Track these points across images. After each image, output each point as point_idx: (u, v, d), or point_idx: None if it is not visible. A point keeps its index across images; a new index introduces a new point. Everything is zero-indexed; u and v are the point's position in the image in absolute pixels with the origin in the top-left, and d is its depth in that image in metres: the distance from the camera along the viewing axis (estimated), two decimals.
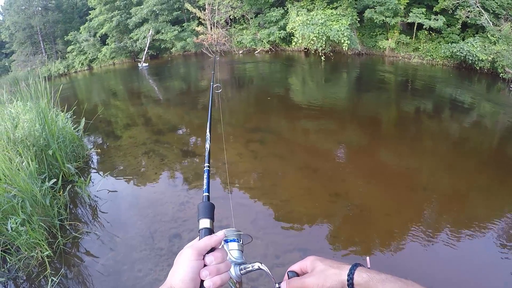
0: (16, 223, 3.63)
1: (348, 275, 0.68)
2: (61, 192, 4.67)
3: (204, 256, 0.74)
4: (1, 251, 3.77)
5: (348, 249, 3.88)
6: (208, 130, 1.28)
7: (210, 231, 0.79)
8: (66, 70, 26.09)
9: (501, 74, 11.72)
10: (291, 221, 4.33)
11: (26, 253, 3.73)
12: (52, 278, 3.45)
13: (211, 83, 1.97)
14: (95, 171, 6.28)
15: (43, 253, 3.70)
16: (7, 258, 3.72)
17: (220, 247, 0.80)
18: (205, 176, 0.97)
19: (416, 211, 4.47)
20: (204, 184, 0.94)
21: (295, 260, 0.79)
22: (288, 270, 0.80)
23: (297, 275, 0.79)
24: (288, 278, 0.79)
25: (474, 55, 12.34)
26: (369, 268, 0.72)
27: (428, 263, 3.53)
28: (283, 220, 4.37)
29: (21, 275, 3.63)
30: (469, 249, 3.80)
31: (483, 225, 4.11)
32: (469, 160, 5.93)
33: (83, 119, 6.90)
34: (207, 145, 1.18)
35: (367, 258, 0.86)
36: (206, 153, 1.12)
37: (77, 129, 6.79)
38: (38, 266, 3.69)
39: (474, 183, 5.20)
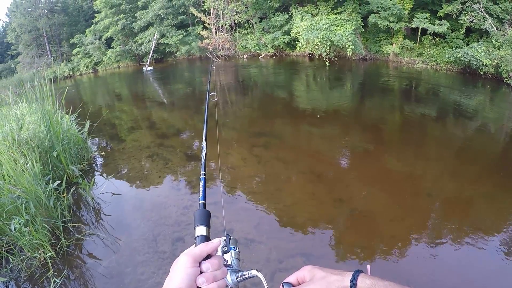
0: (20, 224, 3.65)
1: (351, 281, 0.67)
2: (65, 193, 4.67)
3: (200, 263, 0.74)
4: (4, 251, 3.78)
5: (352, 254, 3.85)
6: (204, 139, 1.29)
7: (206, 238, 0.79)
8: (71, 73, 26.29)
9: (506, 79, 11.67)
10: (295, 226, 4.31)
11: (29, 253, 3.73)
12: (55, 279, 3.45)
13: (207, 92, 1.97)
14: (99, 173, 6.30)
15: (46, 254, 3.70)
16: (10, 258, 3.73)
17: (216, 254, 0.79)
18: (201, 183, 0.98)
19: (420, 217, 4.44)
20: (200, 191, 0.94)
21: (298, 265, 0.77)
22: (283, 281, 0.77)
23: (293, 286, 0.76)
24: None
25: (478, 60, 12.30)
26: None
27: (432, 270, 3.50)
28: (286, 225, 4.35)
29: (24, 275, 3.63)
30: (474, 256, 3.75)
31: (488, 232, 4.07)
32: (473, 166, 5.89)
33: (88, 122, 6.94)
34: (203, 153, 1.19)
35: (368, 266, 0.85)
36: (202, 161, 1.12)
37: (81, 132, 6.82)
38: (41, 267, 3.69)
39: (479, 189, 5.15)
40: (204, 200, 0.90)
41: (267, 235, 4.12)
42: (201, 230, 0.79)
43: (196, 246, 0.77)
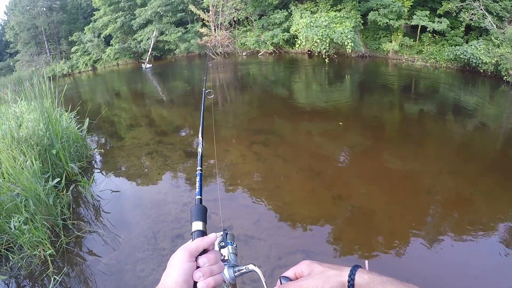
0: (19, 222, 3.65)
1: (349, 276, 0.67)
2: (64, 191, 4.68)
3: (197, 258, 0.74)
4: (4, 249, 3.78)
5: (351, 251, 3.86)
6: (200, 135, 1.31)
7: (203, 233, 0.79)
8: (70, 71, 26.19)
9: (505, 77, 11.66)
10: (294, 223, 4.33)
11: (28, 251, 3.74)
12: (55, 277, 3.46)
13: (203, 89, 1.98)
14: (98, 171, 6.30)
15: (46, 252, 3.71)
16: (10, 256, 3.74)
17: (212, 249, 0.79)
18: (198, 179, 0.99)
19: (419, 215, 4.45)
20: (197, 187, 0.95)
21: (298, 261, 0.77)
22: (280, 275, 0.76)
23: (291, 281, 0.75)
24: (281, 284, 0.75)
25: (478, 58, 12.29)
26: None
27: (431, 267, 3.51)
28: (286, 221, 4.36)
29: (24, 273, 3.64)
30: (473, 253, 3.77)
31: (486, 229, 4.08)
32: (472, 164, 5.90)
33: (87, 119, 6.93)
34: (199, 150, 1.21)
35: (366, 261, 0.85)
36: (198, 157, 1.14)
37: (80, 129, 6.81)
38: (41, 265, 3.70)
39: (478, 186, 5.17)
40: (201, 195, 0.91)
41: (266, 232, 4.14)
42: (197, 225, 0.80)
43: (192, 241, 0.77)
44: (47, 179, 4.59)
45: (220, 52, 21.45)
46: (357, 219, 4.41)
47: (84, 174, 5.68)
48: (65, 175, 5.15)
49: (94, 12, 26.49)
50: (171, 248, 3.91)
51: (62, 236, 4.02)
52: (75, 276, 3.65)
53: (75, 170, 5.48)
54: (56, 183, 4.60)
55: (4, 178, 4.08)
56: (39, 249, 3.74)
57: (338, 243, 3.97)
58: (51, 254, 3.72)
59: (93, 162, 6.65)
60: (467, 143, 7.03)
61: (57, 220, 4.18)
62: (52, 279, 3.42)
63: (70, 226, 4.33)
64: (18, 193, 3.90)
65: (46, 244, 3.76)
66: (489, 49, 12.34)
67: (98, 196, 5.22)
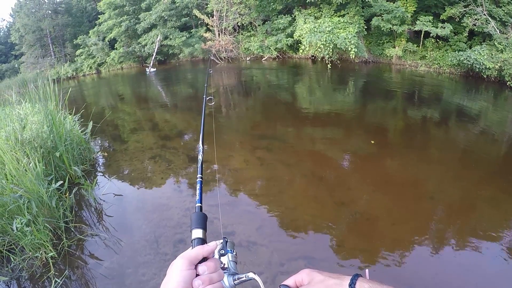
0: (22, 223, 3.65)
1: (350, 285, 0.67)
2: (67, 194, 4.69)
3: (196, 265, 0.74)
4: (6, 250, 3.79)
5: (354, 258, 3.83)
6: (200, 142, 1.32)
7: (203, 241, 0.80)
8: (74, 73, 26.38)
9: (509, 82, 11.63)
10: (297, 228, 4.31)
11: (30, 253, 3.74)
12: (56, 279, 3.45)
13: (204, 96, 1.99)
14: (101, 174, 6.31)
15: (47, 254, 3.71)
16: (11, 258, 3.74)
17: (212, 257, 0.79)
18: (198, 187, 0.99)
19: (422, 221, 4.42)
20: (197, 195, 0.95)
21: (300, 268, 0.77)
22: (281, 284, 0.76)
23: None
24: None
25: (481, 63, 12.27)
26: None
27: (434, 274, 3.48)
28: (288, 227, 4.34)
29: (25, 275, 3.64)
30: (477, 260, 3.73)
31: (490, 236, 4.05)
32: (476, 170, 5.86)
33: (91, 122, 6.96)
34: (200, 157, 1.20)
35: (366, 270, 0.85)
36: (199, 165, 1.14)
37: (84, 132, 6.84)
38: (42, 267, 3.70)
39: (481, 193, 5.13)
40: (201, 203, 0.91)
41: (268, 238, 4.12)
42: (197, 233, 0.80)
43: (192, 248, 0.77)
44: (50, 182, 4.61)
45: (224, 57, 21.55)
46: (360, 226, 4.38)
47: (87, 177, 5.70)
48: (68, 178, 5.16)
49: (99, 16, 26.71)
50: (173, 253, 3.90)
51: (64, 238, 4.03)
52: (76, 279, 3.65)
53: (78, 173, 5.49)
54: (59, 185, 4.61)
55: (8, 179, 4.09)
56: (40, 251, 3.74)
57: (340, 249, 3.95)
58: (52, 257, 3.72)
59: (96, 165, 6.67)
60: (470, 149, 7.00)
61: (59, 222, 4.18)
62: (53, 281, 3.42)
63: (72, 229, 4.33)
64: (21, 195, 3.91)
65: (48, 246, 3.76)
66: (492, 54, 12.33)
67: (101, 199, 5.23)
